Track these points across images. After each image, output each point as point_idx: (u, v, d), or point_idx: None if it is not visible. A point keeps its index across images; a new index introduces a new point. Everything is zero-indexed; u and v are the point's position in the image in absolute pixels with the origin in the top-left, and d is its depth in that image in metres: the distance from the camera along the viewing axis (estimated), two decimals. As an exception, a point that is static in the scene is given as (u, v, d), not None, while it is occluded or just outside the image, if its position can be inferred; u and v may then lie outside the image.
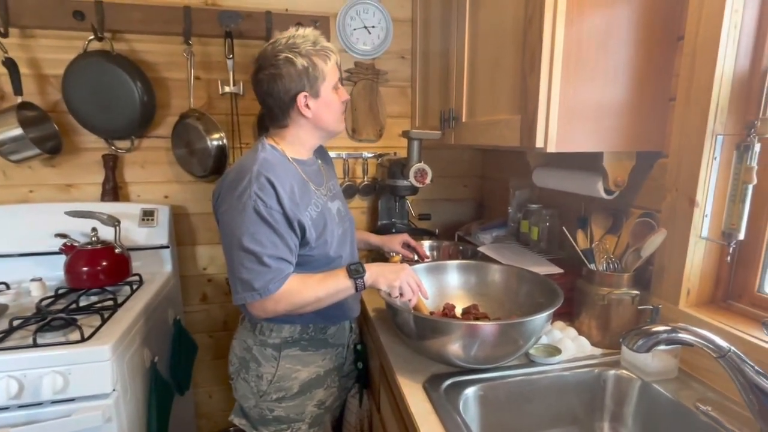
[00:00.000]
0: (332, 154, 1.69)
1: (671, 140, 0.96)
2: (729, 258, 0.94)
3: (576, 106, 0.91)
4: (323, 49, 1.01)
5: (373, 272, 0.97)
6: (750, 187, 0.85)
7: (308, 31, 1.02)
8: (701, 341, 0.69)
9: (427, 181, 1.45)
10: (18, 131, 1.39)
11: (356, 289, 0.97)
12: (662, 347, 0.73)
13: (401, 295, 0.97)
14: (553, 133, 0.90)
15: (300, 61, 0.98)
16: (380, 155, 1.82)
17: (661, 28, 0.93)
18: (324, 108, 1.04)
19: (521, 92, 0.96)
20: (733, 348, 0.68)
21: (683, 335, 0.69)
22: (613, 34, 0.90)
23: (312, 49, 1.00)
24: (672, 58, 0.95)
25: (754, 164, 0.84)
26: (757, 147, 0.84)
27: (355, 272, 0.96)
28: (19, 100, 1.43)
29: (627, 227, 1.06)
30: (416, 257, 1.37)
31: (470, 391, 0.89)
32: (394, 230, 1.72)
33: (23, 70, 1.46)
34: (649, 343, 0.70)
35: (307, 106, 1.02)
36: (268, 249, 0.93)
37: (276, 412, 1.09)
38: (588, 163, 1.07)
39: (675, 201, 0.96)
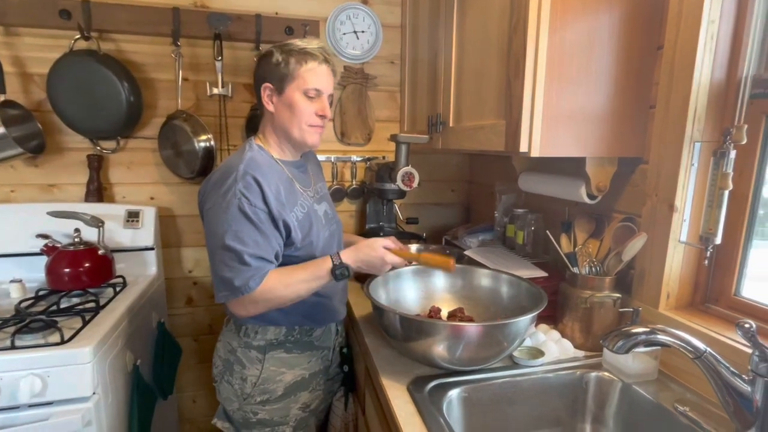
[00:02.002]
0: (321, 157, 1.70)
1: (651, 147, 0.99)
2: (707, 262, 0.96)
3: (559, 111, 0.93)
4: (307, 52, 1.01)
5: (358, 267, 1.00)
6: (726, 193, 0.88)
7: (315, 41, 1.04)
8: (678, 342, 0.70)
9: (414, 184, 1.46)
10: (0, 130, 1.36)
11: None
12: (641, 349, 0.75)
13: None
14: (537, 138, 0.92)
15: (276, 57, 1.02)
16: (369, 159, 1.83)
17: (641, 37, 0.95)
18: (285, 108, 1.04)
19: (506, 98, 0.98)
20: (709, 349, 0.70)
21: (661, 336, 0.71)
22: (595, 42, 0.93)
23: (295, 50, 1.01)
24: (652, 67, 0.97)
25: (730, 170, 0.87)
26: (733, 154, 0.86)
27: (341, 276, 0.97)
28: (2, 98, 1.40)
29: (609, 231, 1.08)
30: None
31: (454, 393, 0.89)
32: (381, 233, 1.72)
33: (7, 68, 1.44)
34: (628, 344, 0.71)
35: (271, 100, 1.04)
36: (250, 248, 0.93)
37: (260, 415, 1.08)
38: (572, 168, 1.09)
39: (655, 206, 0.98)
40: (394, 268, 1.17)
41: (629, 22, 0.94)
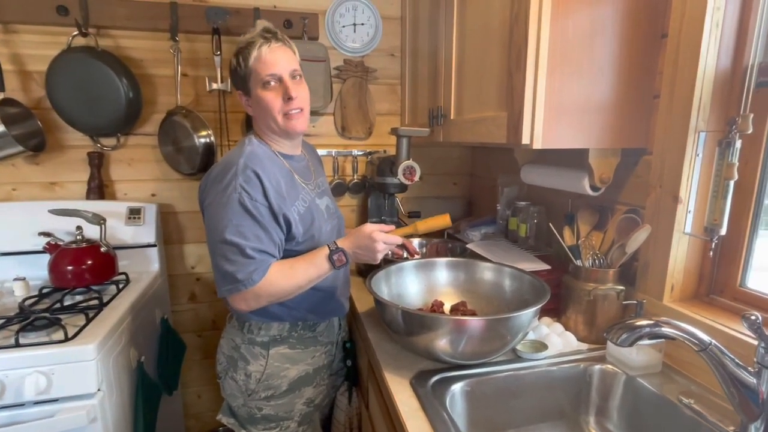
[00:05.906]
0: (322, 152, 1.69)
1: (655, 137, 0.97)
2: (711, 253, 0.95)
3: (561, 102, 0.92)
4: (248, 43, 0.98)
5: (353, 252, 0.99)
6: (731, 183, 0.86)
7: (259, 25, 1.00)
8: (683, 335, 0.70)
9: (416, 178, 1.45)
10: (0, 128, 1.36)
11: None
12: (645, 341, 0.74)
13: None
14: (539, 130, 0.91)
15: (233, 61, 1.01)
16: (370, 153, 1.82)
17: (645, 25, 0.94)
18: (257, 106, 1.02)
19: (507, 89, 0.96)
20: (714, 341, 0.69)
21: (666, 329, 0.70)
22: (598, 31, 0.91)
23: (241, 48, 0.99)
24: (656, 56, 0.96)
25: (736, 160, 0.86)
26: (738, 143, 0.85)
27: (338, 262, 0.98)
28: (1, 96, 1.40)
29: (612, 223, 1.07)
30: (406, 254, 1.37)
31: (457, 387, 0.89)
32: (383, 228, 1.72)
33: (5, 66, 1.43)
34: (632, 337, 0.70)
35: (248, 105, 1.04)
36: (251, 242, 0.93)
37: (264, 410, 1.08)
38: (574, 160, 1.08)
39: (659, 197, 0.97)
40: (393, 261, 1.17)
41: (632, 10, 0.92)
